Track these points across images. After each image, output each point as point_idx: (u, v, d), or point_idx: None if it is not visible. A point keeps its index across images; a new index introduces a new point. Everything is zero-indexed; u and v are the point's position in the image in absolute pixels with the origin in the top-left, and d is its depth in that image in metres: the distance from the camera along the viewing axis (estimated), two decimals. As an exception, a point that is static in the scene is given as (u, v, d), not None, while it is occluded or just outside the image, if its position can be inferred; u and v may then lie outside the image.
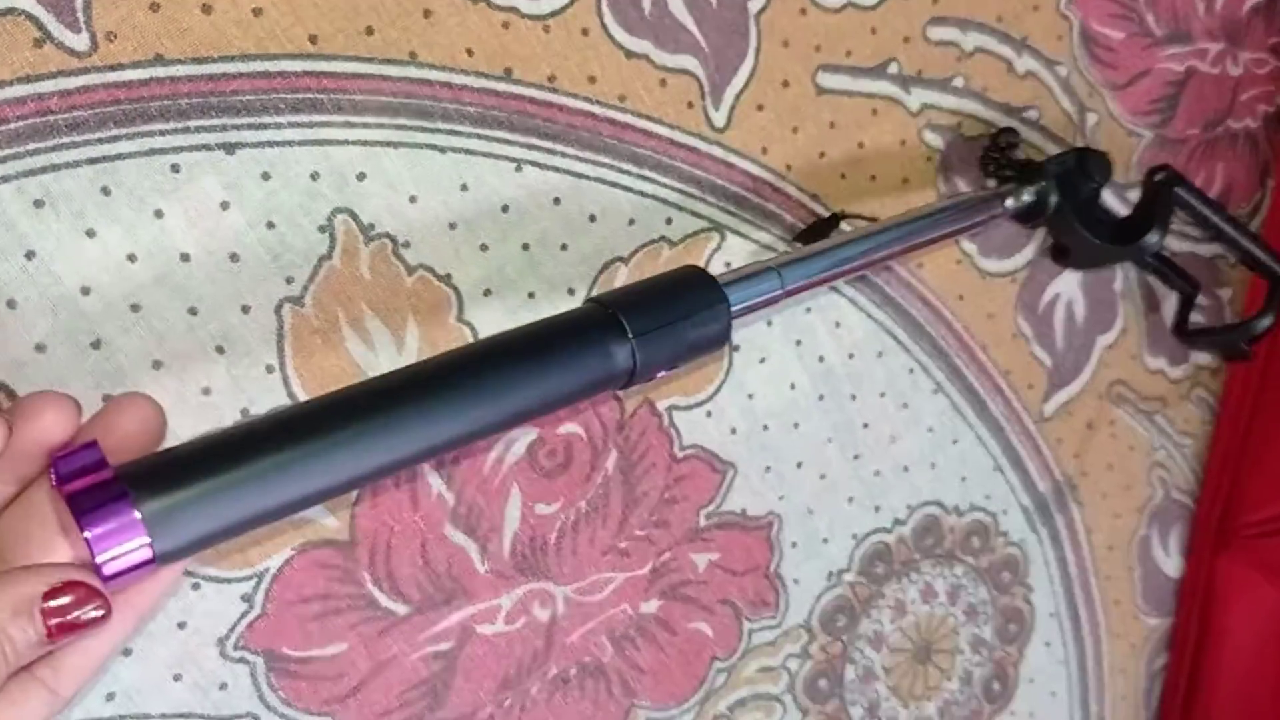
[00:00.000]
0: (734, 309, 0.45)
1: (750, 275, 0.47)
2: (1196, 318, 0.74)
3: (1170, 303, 0.78)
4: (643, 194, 0.55)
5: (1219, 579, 0.81)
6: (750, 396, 0.61)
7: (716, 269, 0.58)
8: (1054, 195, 0.61)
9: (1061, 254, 0.67)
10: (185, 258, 0.45)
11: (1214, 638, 0.82)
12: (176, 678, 0.48)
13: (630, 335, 0.40)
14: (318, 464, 0.33)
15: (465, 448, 0.45)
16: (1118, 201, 0.73)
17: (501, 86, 0.51)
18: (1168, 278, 0.72)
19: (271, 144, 0.46)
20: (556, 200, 0.53)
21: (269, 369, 0.47)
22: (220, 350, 0.46)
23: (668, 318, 0.42)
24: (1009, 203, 0.60)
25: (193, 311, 0.46)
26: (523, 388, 0.38)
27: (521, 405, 0.38)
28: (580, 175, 0.53)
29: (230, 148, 0.45)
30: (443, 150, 0.50)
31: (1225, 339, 0.72)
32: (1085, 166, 0.61)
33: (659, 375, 0.43)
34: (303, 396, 0.48)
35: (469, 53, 0.50)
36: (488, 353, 0.38)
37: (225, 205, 0.46)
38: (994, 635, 0.74)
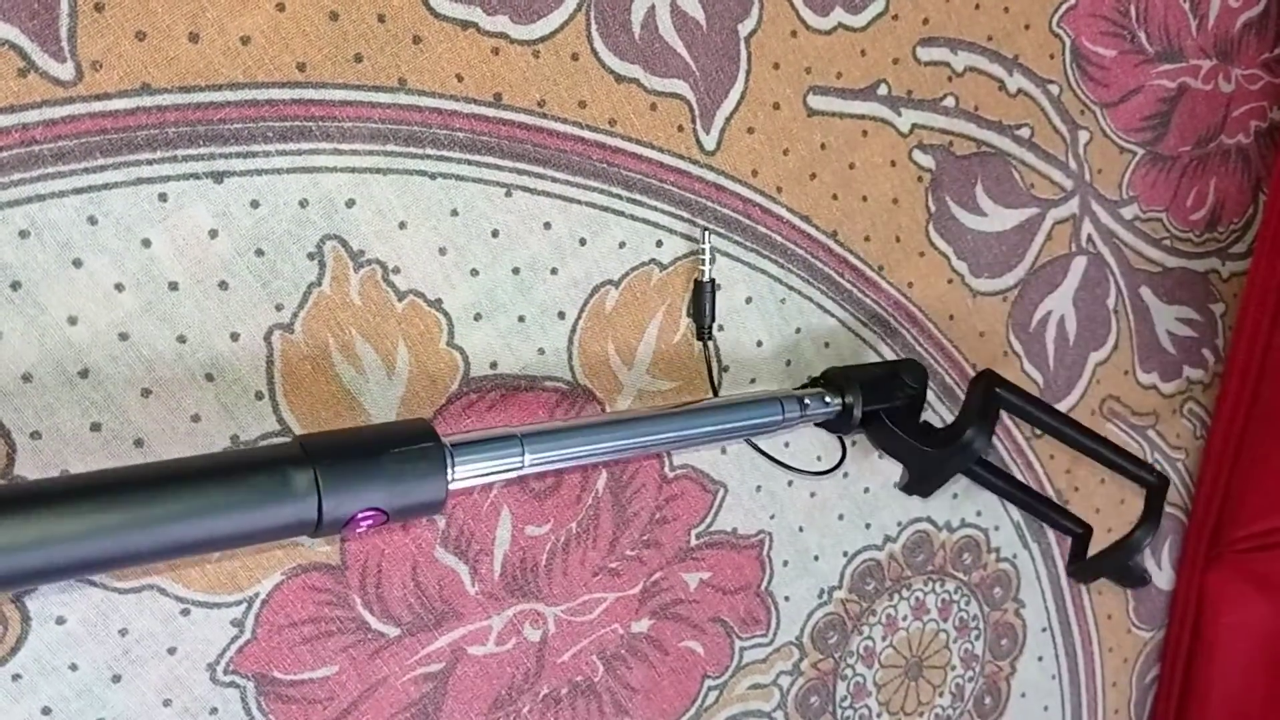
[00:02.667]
0: (458, 481, 0.42)
1: (488, 441, 0.44)
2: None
3: (1164, 321, 0.79)
4: (633, 217, 0.55)
5: (1210, 592, 0.82)
6: (741, 417, 0.61)
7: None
8: (859, 403, 0.57)
9: (906, 484, 0.64)
10: (174, 286, 0.45)
11: (1205, 650, 0.82)
12: (166, 703, 0.48)
13: (320, 487, 0.38)
14: None
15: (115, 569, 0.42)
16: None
17: (491, 112, 0.51)
18: (1052, 521, 0.66)
19: (260, 172, 0.46)
20: (547, 225, 0.53)
21: (259, 396, 0.47)
22: (210, 378, 0.46)
23: (368, 476, 0.39)
24: (811, 405, 0.56)
25: (181, 340, 0.46)
26: (184, 521, 0.36)
27: (180, 538, 0.36)
28: (570, 199, 0.53)
29: (218, 176, 0.45)
30: (432, 176, 0.50)
31: (1116, 560, 0.64)
32: (896, 374, 0.59)
33: (359, 529, 0.40)
34: (293, 422, 0.48)
35: (459, 78, 0.50)
36: (159, 478, 0.36)
37: (214, 233, 0.46)
38: (986, 650, 0.75)
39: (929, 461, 0.60)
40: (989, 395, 0.60)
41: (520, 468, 0.45)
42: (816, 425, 0.60)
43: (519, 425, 0.46)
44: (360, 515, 0.40)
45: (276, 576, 0.49)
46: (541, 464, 0.46)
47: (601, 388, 0.56)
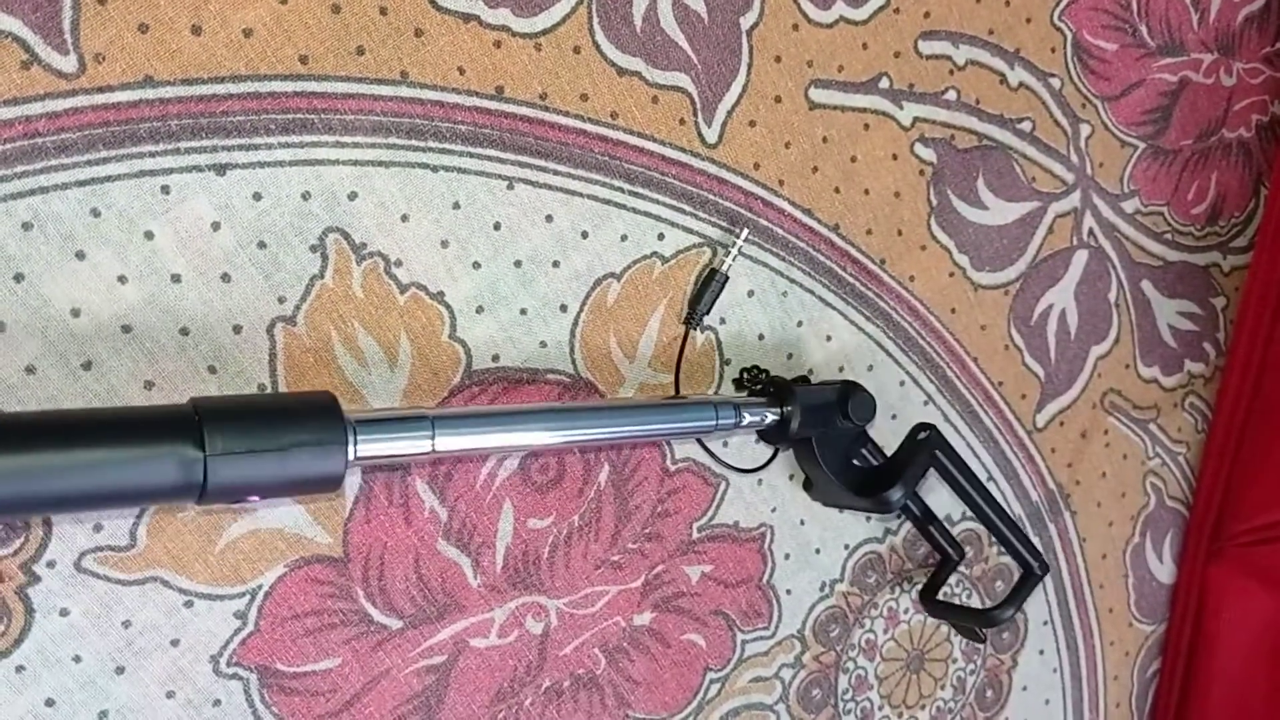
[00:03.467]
0: (362, 456, 0.40)
1: (396, 421, 0.42)
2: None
3: (1165, 315, 0.79)
4: (635, 210, 0.55)
5: (1212, 586, 0.82)
6: (743, 410, 0.61)
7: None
8: (797, 422, 0.55)
9: (809, 483, 0.63)
10: (176, 278, 0.45)
11: (1206, 644, 0.82)
12: (169, 695, 0.48)
13: (206, 452, 0.36)
14: None
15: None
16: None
17: (493, 105, 0.51)
18: (931, 538, 0.67)
19: (263, 164, 0.46)
20: (549, 218, 0.53)
21: (261, 388, 0.47)
22: (212, 370, 0.46)
23: (261, 445, 0.37)
24: (747, 416, 0.55)
25: (184, 332, 0.46)
26: (62, 474, 0.33)
27: (56, 490, 0.34)
28: (572, 192, 0.53)
29: (221, 169, 0.45)
30: (434, 169, 0.50)
31: (967, 620, 0.66)
32: (845, 403, 0.56)
33: (250, 500, 0.38)
34: (295, 415, 0.48)
35: (460, 71, 0.50)
36: (42, 427, 0.34)
37: (216, 226, 0.46)
38: (987, 644, 0.75)
39: (843, 495, 0.59)
40: (928, 456, 0.59)
41: (430, 450, 0.43)
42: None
43: (432, 407, 0.45)
44: (241, 494, 0.38)
45: (279, 568, 0.49)
46: (453, 448, 0.44)
47: (603, 380, 0.56)
